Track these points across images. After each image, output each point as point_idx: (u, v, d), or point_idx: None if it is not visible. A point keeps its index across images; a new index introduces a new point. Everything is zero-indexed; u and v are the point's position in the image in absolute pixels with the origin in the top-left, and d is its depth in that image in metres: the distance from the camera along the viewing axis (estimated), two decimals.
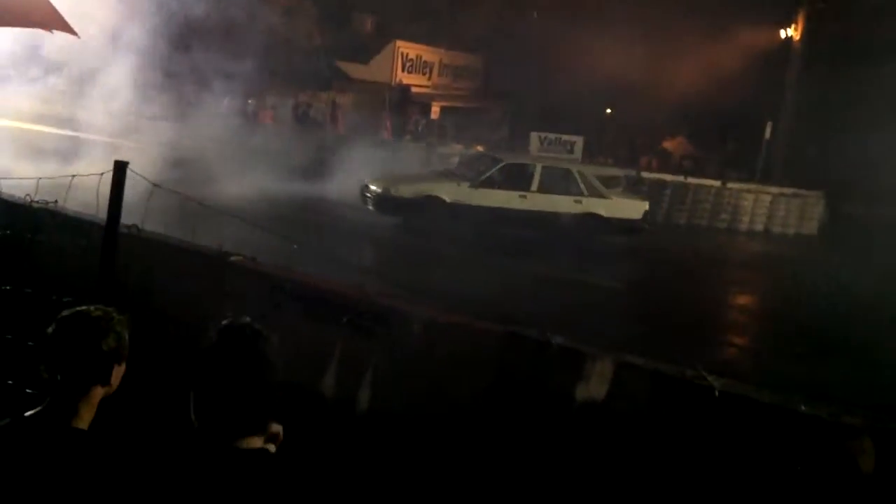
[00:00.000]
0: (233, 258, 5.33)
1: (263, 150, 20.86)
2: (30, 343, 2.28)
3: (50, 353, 2.31)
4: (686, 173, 23.17)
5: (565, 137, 23.08)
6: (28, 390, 2.30)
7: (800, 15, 26.86)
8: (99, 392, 2.36)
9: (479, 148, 22.93)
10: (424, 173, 18.07)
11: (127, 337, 2.40)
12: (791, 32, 27.07)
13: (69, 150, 19.14)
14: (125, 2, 17.49)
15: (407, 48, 32.25)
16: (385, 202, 15.96)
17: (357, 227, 15.38)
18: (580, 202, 16.19)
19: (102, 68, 30.53)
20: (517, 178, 16.41)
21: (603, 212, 16.14)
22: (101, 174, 4.61)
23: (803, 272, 16.29)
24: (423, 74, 33.49)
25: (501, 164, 16.65)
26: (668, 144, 28.56)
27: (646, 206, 16.92)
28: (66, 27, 4.00)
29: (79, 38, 4.19)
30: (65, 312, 2.35)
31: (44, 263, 5.01)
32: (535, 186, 16.20)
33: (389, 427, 4.48)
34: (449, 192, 15.94)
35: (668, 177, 22.05)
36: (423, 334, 4.56)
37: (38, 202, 5.56)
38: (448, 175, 17.01)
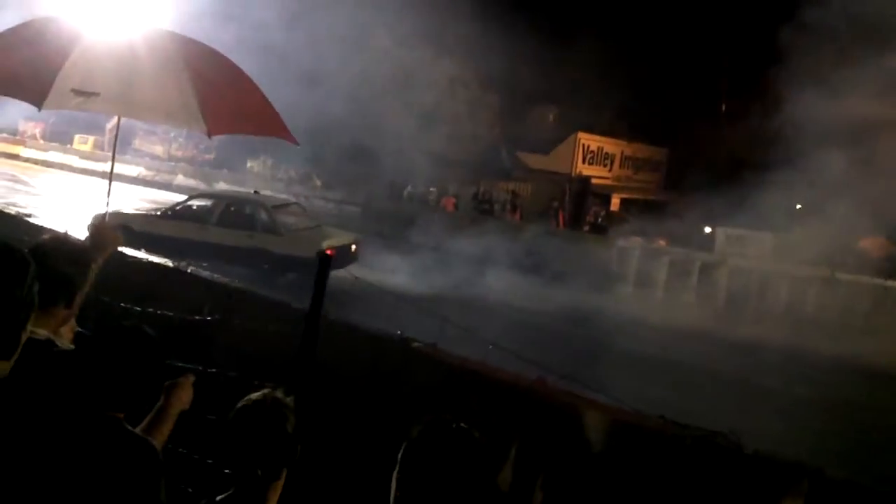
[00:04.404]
0: (414, 345, 5.40)
1: (441, 238, 21.35)
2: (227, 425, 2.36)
3: (236, 438, 2.36)
4: (886, 276, 21.71)
5: (754, 234, 22.27)
6: (226, 471, 2.36)
7: None
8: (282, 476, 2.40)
9: (662, 242, 22.48)
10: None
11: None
12: None
13: None
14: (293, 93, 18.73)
15: (588, 140, 32.39)
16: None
17: (532, 317, 15.33)
18: (252, 237, 16.47)
19: (287, 159, 32.47)
20: (202, 212, 17.10)
21: (273, 248, 16.34)
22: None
23: None
24: (604, 166, 33.46)
25: (188, 197, 17.63)
26: (865, 244, 26.96)
27: (320, 245, 16.24)
28: (287, 134, 4.23)
29: (298, 145, 4.42)
30: (250, 398, 2.42)
31: (242, 345, 5.24)
32: (214, 220, 16.77)
33: None
34: (142, 223, 16.29)
35: (864, 278, 20.76)
36: (605, 433, 4.42)
37: (234, 285, 5.86)
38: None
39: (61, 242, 2.91)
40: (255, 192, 20.86)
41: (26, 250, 2.52)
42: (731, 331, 16.18)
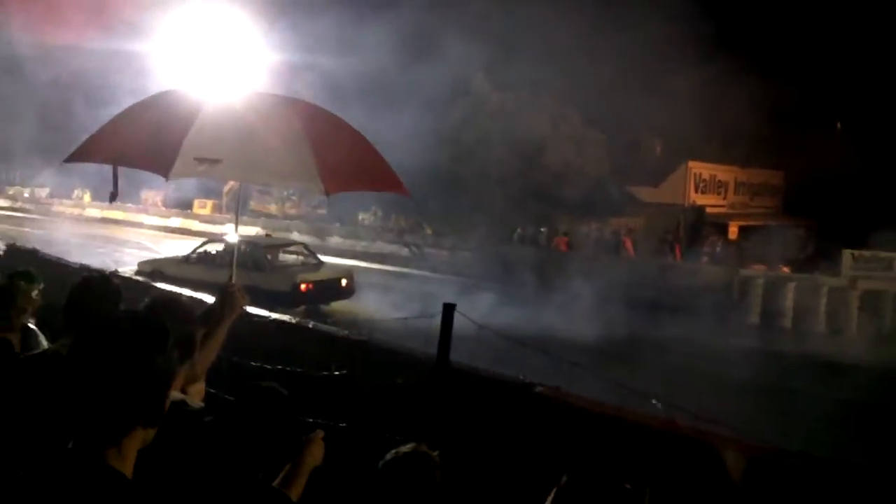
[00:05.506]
0: (537, 389, 5.33)
1: (557, 278, 21.20)
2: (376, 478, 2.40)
3: (387, 490, 2.39)
4: None
5: (882, 254, 21.26)
6: None
7: None
8: None
9: (786, 269, 21.74)
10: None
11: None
12: None
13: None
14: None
15: (700, 168, 31.80)
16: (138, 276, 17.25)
17: (667, 356, 14.98)
18: (246, 276, 17.05)
19: (397, 209, 32.87)
20: (212, 256, 18.84)
21: (259, 284, 17.00)
22: (432, 316, 4.85)
23: None
24: (718, 194, 32.74)
25: (203, 242, 19.30)
26: None
27: (294, 279, 18.04)
28: (401, 188, 4.29)
29: (410, 197, 4.47)
30: (399, 451, 2.44)
31: (370, 397, 5.28)
32: (219, 262, 18.25)
33: None
34: (170, 267, 17.97)
35: None
36: (745, 471, 4.24)
37: (357, 338, 5.92)
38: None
39: (174, 301, 3.01)
40: (268, 234, 23.47)
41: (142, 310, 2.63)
42: (870, 357, 15.52)
